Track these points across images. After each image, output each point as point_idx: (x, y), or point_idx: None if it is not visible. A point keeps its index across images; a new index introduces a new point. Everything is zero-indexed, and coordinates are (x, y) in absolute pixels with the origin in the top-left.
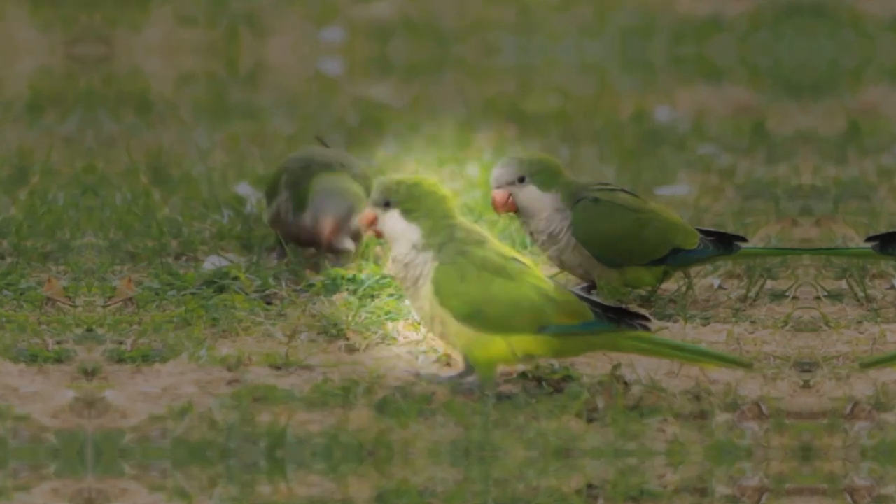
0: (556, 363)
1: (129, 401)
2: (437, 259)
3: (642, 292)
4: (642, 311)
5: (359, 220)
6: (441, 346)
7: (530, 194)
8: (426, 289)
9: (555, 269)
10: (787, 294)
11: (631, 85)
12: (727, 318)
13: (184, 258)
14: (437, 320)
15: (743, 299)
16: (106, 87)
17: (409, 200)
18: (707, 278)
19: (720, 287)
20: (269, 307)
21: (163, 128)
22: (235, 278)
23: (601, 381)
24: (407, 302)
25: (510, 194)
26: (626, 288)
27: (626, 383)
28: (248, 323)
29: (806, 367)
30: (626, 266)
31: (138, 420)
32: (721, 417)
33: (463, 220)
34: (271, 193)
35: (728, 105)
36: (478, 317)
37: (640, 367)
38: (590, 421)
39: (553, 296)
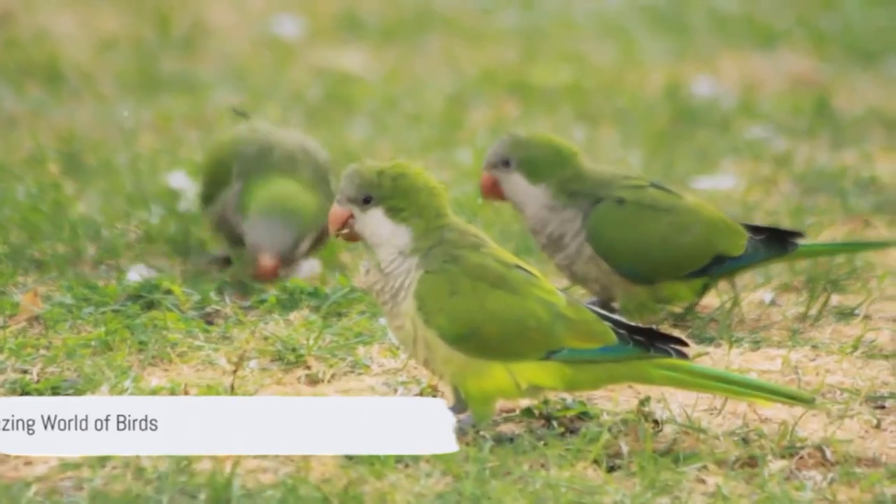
0: (569, 397)
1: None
2: (422, 266)
3: (677, 309)
4: (677, 334)
5: (329, 219)
6: (425, 376)
7: (514, 184)
8: (408, 304)
9: (565, 282)
10: (856, 312)
11: (662, 51)
12: (782, 341)
13: (103, 267)
14: (421, 343)
15: (802, 318)
16: (6, 54)
17: (395, 196)
18: (757, 292)
19: (773, 303)
20: (209, 328)
21: (77, 105)
22: (168, 292)
23: (625, 420)
24: (383, 321)
25: (496, 179)
26: (657, 305)
27: (656, 422)
28: (183, 347)
29: (880, 402)
30: (657, 282)
31: (46, 468)
32: (775, 465)
33: (456, 219)
34: (214, 185)
35: (784, 77)
36: (472, 338)
37: (675, 403)
38: (611, 469)
39: (565, 313)
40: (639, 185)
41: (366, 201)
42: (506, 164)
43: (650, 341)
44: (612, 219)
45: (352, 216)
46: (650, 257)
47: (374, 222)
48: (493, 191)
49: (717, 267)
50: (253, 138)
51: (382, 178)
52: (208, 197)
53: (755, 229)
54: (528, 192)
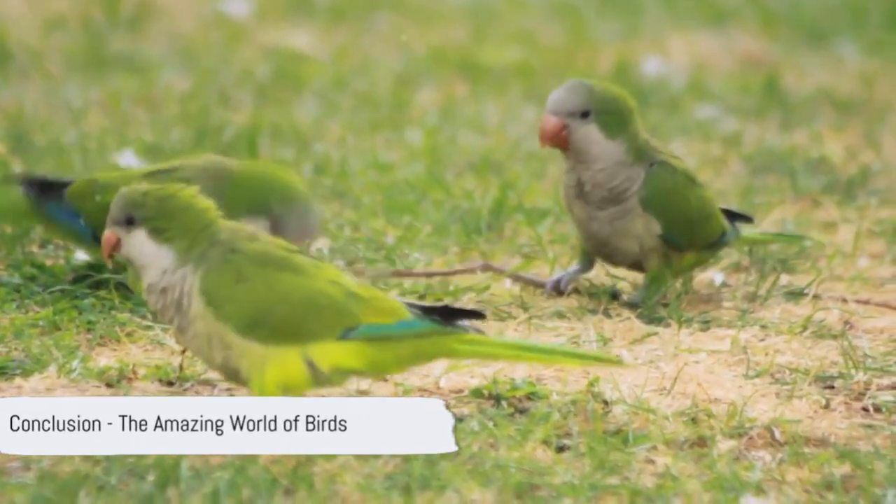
0: (518, 377)
1: None
2: (199, 267)
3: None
4: (475, 308)
5: (102, 246)
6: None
7: (590, 135)
8: (195, 305)
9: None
10: (805, 292)
11: (612, 31)
12: (732, 321)
13: (51, 246)
14: (217, 342)
15: (752, 298)
16: None
17: (158, 217)
18: (707, 272)
19: (724, 283)
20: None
21: (24, 84)
22: (116, 271)
23: (574, 400)
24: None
25: (565, 126)
26: (673, 279)
27: (605, 402)
28: (132, 327)
29: (829, 382)
30: (686, 251)
31: None
32: (724, 445)
33: (228, 221)
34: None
35: (734, 57)
36: (264, 323)
37: (624, 384)
38: (561, 450)
39: (357, 292)
40: (674, 156)
41: (129, 222)
42: (584, 114)
43: (446, 317)
44: (668, 182)
45: (119, 240)
46: (690, 225)
47: (138, 243)
48: (559, 139)
49: (719, 242)
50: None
51: (147, 200)
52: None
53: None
54: (602, 146)
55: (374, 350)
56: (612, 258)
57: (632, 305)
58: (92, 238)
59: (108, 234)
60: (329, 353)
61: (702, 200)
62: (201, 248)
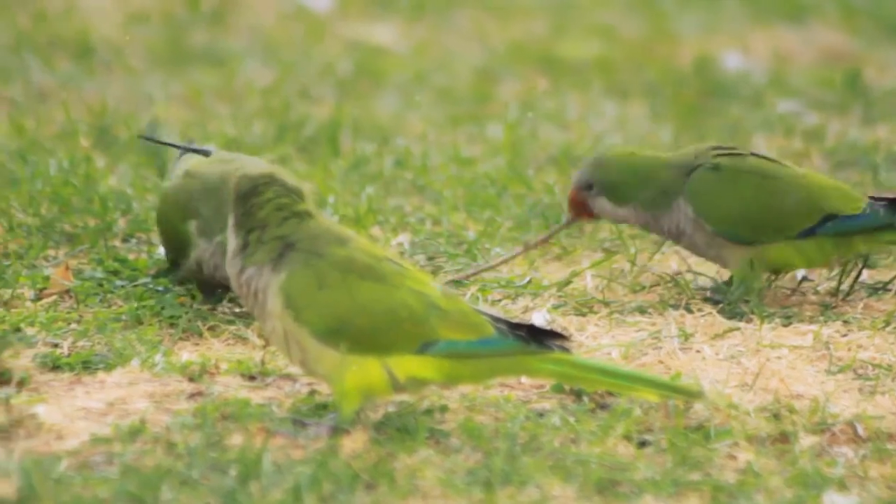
0: None
1: (67, 418)
2: (279, 271)
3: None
4: (562, 331)
5: None
6: None
7: (602, 206)
8: (274, 303)
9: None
10: (889, 287)
11: (692, 25)
12: (814, 316)
13: (134, 240)
14: (294, 343)
15: (833, 293)
16: (36, 27)
17: (243, 209)
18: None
19: (805, 278)
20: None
21: (108, 78)
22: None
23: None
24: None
25: (583, 200)
26: (768, 276)
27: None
28: (214, 322)
29: None
30: (760, 243)
31: (78, 443)
32: (806, 441)
33: (321, 221)
34: (176, 251)
35: (815, 51)
36: (344, 332)
37: (706, 378)
38: (642, 445)
39: (439, 304)
40: (736, 154)
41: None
42: (588, 187)
43: (531, 336)
44: (708, 183)
45: None
46: (748, 216)
47: (228, 229)
48: (582, 211)
49: (829, 225)
50: (203, 187)
51: (235, 194)
52: (173, 261)
53: (879, 199)
54: (615, 213)
55: (453, 365)
56: (722, 264)
57: (715, 302)
58: None
59: None
60: (406, 365)
61: (769, 188)
62: (275, 245)
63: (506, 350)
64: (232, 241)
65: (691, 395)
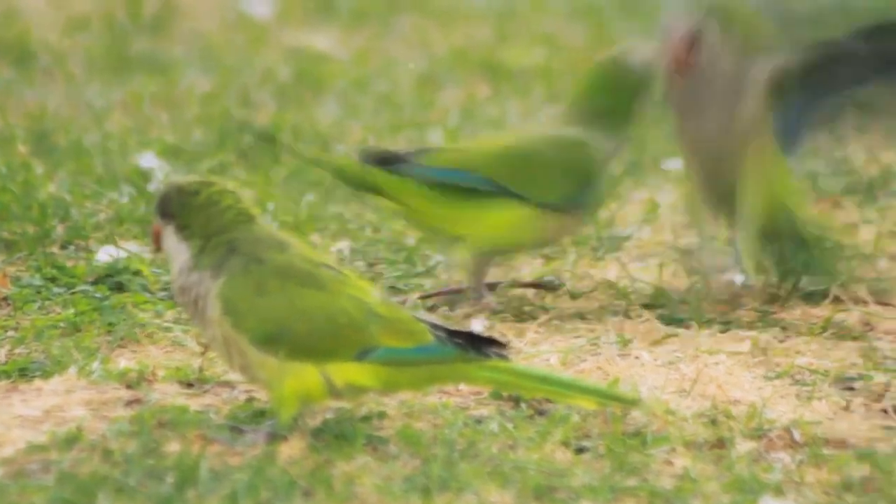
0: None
1: (3, 426)
2: (218, 276)
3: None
4: (501, 337)
5: (150, 233)
6: None
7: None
8: (213, 310)
9: None
10: (826, 293)
11: (633, 33)
12: (752, 322)
13: (72, 247)
14: (234, 349)
15: (772, 299)
16: None
17: (182, 214)
18: (728, 274)
19: (745, 285)
20: (179, 309)
21: (47, 84)
22: (137, 273)
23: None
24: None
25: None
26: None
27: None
28: (152, 329)
29: (849, 383)
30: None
31: (13, 450)
32: (743, 446)
33: (261, 226)
34: None
35: None
36: (282, 339)
37: (645, 384)
38: (580, 451)
39: (378, 311)
40: None
41: (164, 216)
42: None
43: (470, 343)
44: None
45: (160, 232)
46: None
47: (168, 238)
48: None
49: None
50: None
51: (175, 194)
52: None
53: None
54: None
55: (391, 372)
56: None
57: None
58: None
59: (154, 224)
60: (345, 371)
61: None
62: (219, 251)
63: (444, 357)
64: (184, 250)
65: (628, 402)
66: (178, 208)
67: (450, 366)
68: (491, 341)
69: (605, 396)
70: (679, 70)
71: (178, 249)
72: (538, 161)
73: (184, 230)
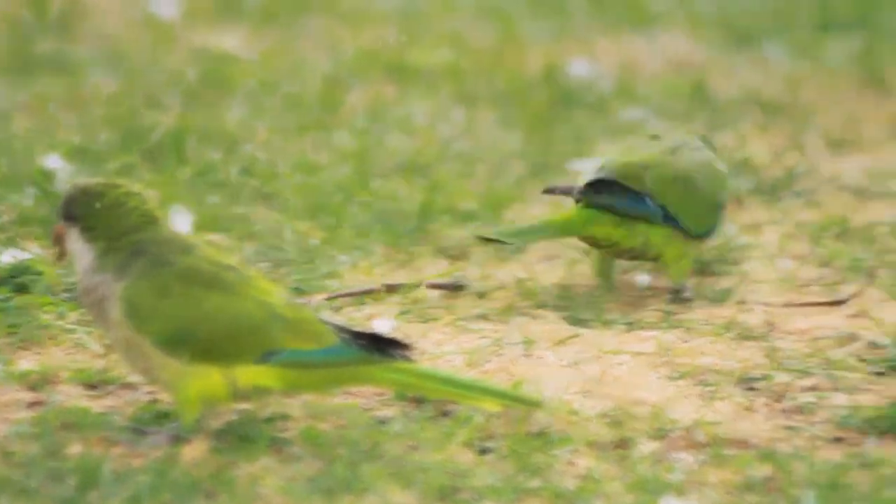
0: None
1: None
2: (121, 278)
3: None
4: (406, 339)
5: (52, 235)
6: None
7: None
8: (116, 312)
9: None
10: (729, 294)
11: (541, 33)
12: (656, 323)
13: None
14: (137, 352)
15: (676, 300)
16: None
17: (86, 216)
18: (632, 274)
19: (648, 285)
20: (82, 311)
21: None
22: (40, 274)
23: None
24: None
25: None
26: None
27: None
28: (55, 331)
29: (751, 384)
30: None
31: None
32: (646, 447)
33: (167, 228)
34: None
35: (662, 59)
36: (185, 342)
37: (549, 384)
38: (483, 452)
39: (282, 313)
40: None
41: (68, 218)
42: None
43: (374, 345)
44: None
45: (64, 233)
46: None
47: (73, 240)
48: None
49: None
50: None
51: (80, 196)
52: None
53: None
54: None
55: (295, 374)
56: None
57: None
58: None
59: (57, 226)
60: (249, 374)
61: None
62: (123, 253)
63: (348, 359)
64: (88, 252)
65: (531, 403)
66: (82, 210)
67: (354, 367)
68: (395, 343)
69: (509, 398)
70: None
71: (82, 251)
72: (698, 195)
73: (88, 232)
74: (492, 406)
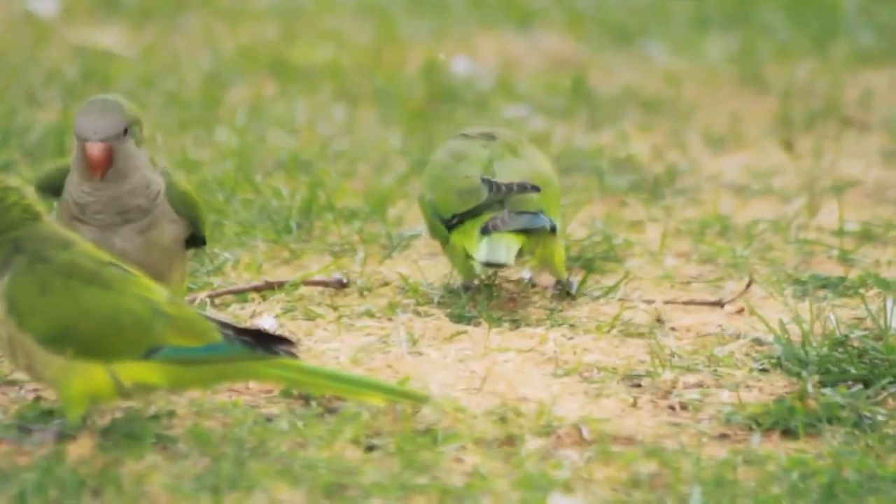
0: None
1: None
2: (2, 275)
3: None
4: (290, 335)
5: None
6: None
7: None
8: None
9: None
10: (613, 291)
11: (420, 31)
12: (541, 320)
13: None
14: (19, 349)
15: (560, 297)
16: None
17: None
18: (516, 271)
19: (531, 282)
20: None
21: None
22: None
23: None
24: None
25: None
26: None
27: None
28: None
29: (636, 380)
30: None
31: None
32: (533, 444)
33: (47, 224)
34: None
35: (542, 56)
36: (68, 339)
37: (434, 382)
38: (370, 449)
39: (165, 310)
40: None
41: None
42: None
43: (258, 341)
44: None
45: None
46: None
47: None
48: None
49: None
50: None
51: None
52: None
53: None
54: None
55: (179, 370)
56: None
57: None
58: None
59: None
60: (132, 370)
61: None
62: (3, 250)
63: (232, 356)
64: None
65: (418, 399)
66: None
67: (238, 364)
68: (280, 339)
69: (395, 394)
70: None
71: None
72: (557, 193)
73: None
74: (378, 401)
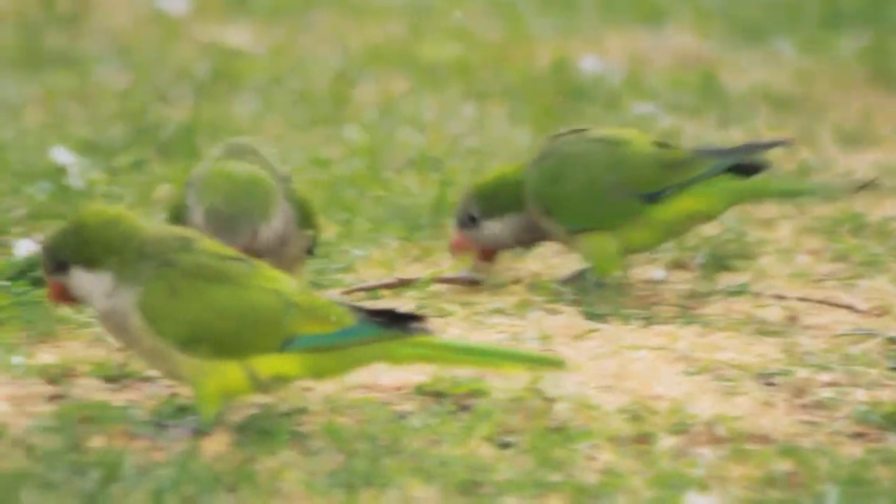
0: (460, 373)
1: None
2: (133, 285)
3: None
4: (418, 312)
5: (49, 298)
6: None
7: (490, 230)
8: (134, 321)
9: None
10: (746, 288)
11: (550, 28)
12: (673, 318)
13: None
14: (160, 356)
15: (692, 295)
16: None
17: (80, 251)
18: (648, 269)
19: (664, 280)
20: None
21: None
22: None
23: (517, 397)
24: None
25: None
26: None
27: (547, 399)
28: (74, 324)
29: (770, 379)
30: (600, 228)
31: None
32: (666, 442)
33: (157, 224)
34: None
35: (671, 54)
36: (202, 340)
37: (567, 380)
38: (504, 446)
39: (295, 300)
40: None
41: (62, 269)
42: (472, 220)
43: (391, 321)
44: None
45: (64, 287)
46: (573, 202)
47: (79, 283)
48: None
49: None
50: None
51: (64, 240)
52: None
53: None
54: (503, 232)
55: (315, 358)
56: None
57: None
58: None
59: (52, 285)
60: (269, 364)
61: (586, 172)
62: (133, 262)
63: (368, 337)
64: (101, 280)
65: (554, 364)
66: (73, 250)
67: (374, 346)
68: (413, 317)
69: (532, 361)
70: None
71: (94, 284)
72: None
73: (92, 265)
74: (516, 370)
